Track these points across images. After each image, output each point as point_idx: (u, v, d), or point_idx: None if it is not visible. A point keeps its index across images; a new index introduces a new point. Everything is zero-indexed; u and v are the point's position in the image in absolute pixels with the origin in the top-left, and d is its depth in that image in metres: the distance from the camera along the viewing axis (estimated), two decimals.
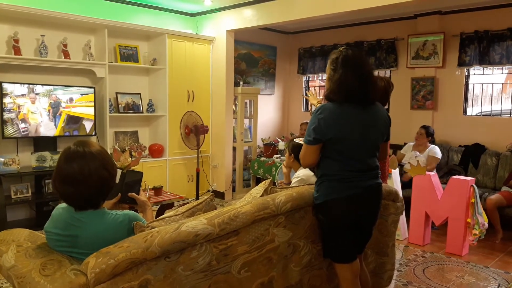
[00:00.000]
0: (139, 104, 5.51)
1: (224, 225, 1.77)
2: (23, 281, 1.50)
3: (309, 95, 3.36)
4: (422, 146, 5.07)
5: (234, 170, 6.17)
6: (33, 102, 4.48)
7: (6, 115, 4.28)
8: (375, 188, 2.21)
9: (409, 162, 4.99)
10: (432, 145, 5.05)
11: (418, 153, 4.99)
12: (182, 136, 5.28)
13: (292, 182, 2.97)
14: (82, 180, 1.60)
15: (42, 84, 4.53)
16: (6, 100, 4.27)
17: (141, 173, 2.28)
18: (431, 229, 4.38)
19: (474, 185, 3.83)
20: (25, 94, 4.41)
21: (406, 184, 4.76)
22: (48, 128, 4.62)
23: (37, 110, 4.52)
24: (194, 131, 5.32)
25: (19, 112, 4.40)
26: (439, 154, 4.98)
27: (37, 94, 4.50)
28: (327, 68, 2.22)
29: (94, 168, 1.62)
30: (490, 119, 5.34)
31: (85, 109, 4.85)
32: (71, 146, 1.66)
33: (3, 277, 1.66)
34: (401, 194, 2.71)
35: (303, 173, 2.92)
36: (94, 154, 1.64)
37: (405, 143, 5.41)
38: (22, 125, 4.42)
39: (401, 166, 4.94)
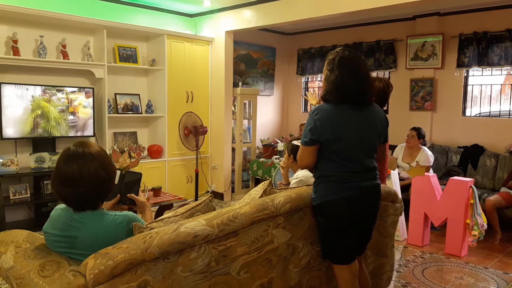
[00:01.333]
0: (138, 105, 5.51)
1: (223, 226, 1.76)
2: (22, 282, 1.50)
3: (308, 96, 3.36)
4: (413, 148, 4.99)
5: (233, 171, 6.16)
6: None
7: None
8: (373, 189, 2.21)
9: (408, 164, 5.00)
10: (425, 148, 4.95)
11: (405, 165, 4.95)
12: (181, 137, 5.28)
13: (291, 183, 2.97)
14: (81, 181, 1.60)
15: (41, 85, 4.52)
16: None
17: (140, 174, 2.28)
18: (433, 229, 4.38)
19: (473, 186, 3.84)
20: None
21: (405, 187, 4.75)
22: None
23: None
24: (193, 132, 5.32)
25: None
26: (430, 161, 4.85)
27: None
28: (324, 69, 2.23)
29: (94, 169, 1.62)
30: (489, 120, 5.35)
31: None
32: (71, 147, 1.66)
33: (2, 278, 1.65)
34: (400, 195, 2.71)
35: (302, 174, 2.92)
36: (93, 155, 1.64)
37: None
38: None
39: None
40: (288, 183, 3.07)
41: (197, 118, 5.37)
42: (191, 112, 5.38)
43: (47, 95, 4.45)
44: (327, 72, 2.18)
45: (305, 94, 7.32)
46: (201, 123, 5.38)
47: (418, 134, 4.96)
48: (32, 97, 4.36)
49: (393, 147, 5.56)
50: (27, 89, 4.40)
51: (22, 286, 1.50)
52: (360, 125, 2.14)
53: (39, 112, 4.47)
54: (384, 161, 3.03)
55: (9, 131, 4.32)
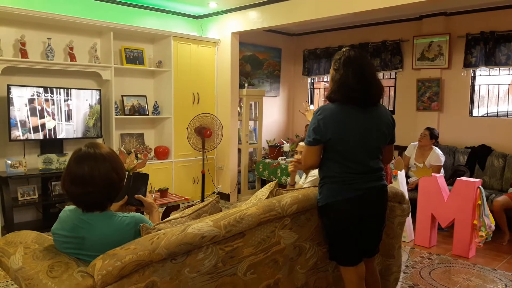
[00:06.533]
0: (145, 107, 5.53)
1: (230, 227, 1.77)
2: (31, 283, 1.51)
3: (305, 112, 3.29)
4: (425, 147, 5.00)
5: (239, 172, 6.17)
6: None
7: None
8: (379, 190, 2.20)
9: (415, 164, 4.98)
10: (435, 148, 4.94)
11: (417, 163, 4.95)
12: (190, 138, 5.19)
13: (307, 181, 2.97)
14: (91, 182, 1.61)
15: (48, 87, 4.56)
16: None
17: (147, 175, 2.28)
18: (440, 230, 4.35)
19: (480, 186, 3.81)
20: None
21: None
22: None
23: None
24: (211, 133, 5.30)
25: None
26: (441, 160, 4.84)
27: None
28: (331, 68, 2.23)
29: (104, 170, 1.63)
30: (497, 120, 5.31)
31: None
32: (82, 148, 1.68)
33: (11, 279, 1.67)
34: (407, 196, 2.70)
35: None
36: (104, 156, 1.66)
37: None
38: None
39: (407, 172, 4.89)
40: (294, 183, 3.08)
41: (215, 119, 5.34)
42: (207, 113, 5.32)
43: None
44: (333, 72, 2.18)
45: (307, 101, 7.32)
46: (221, 124, 5.36)
47: (431, 134, 4.97)
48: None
49: (398, 148, 5.56)
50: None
51: (31, 287, 1.51)
52: (364, 126, 2.12)
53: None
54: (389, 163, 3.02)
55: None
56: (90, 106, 4.87)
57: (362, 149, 2.13)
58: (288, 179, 3.43)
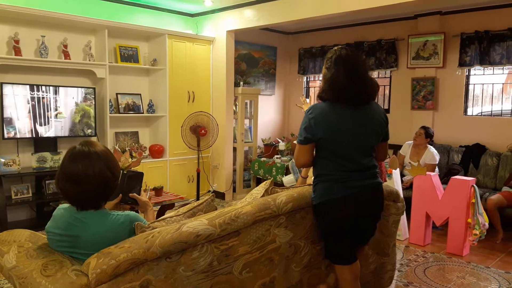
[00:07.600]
0: (140, 105, 5.51)
1: (225, 226, 1.77)
2: (25, 282, 1.50)
3: (302, 105, 3.29)
4: (420, 146, 5.02)
5: (234, 170, 6.17)
6: None
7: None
8: (374, 188, 2.19)
9: (410, 162, 5.00)
10: (430, 147, 4.97)
11: (411, 162, 4.96)
12: (185, 136, 5.18)
13: None
14: (86, 180, 1.61)
15: (43, 85, 4.53)
16: None
17: (141, 174, 2.28)
18: (434, 229, 4.37)
19: (474, 185, 3.83)
20: None
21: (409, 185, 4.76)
22: None
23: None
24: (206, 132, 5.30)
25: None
26: (435, 159, 4.87)
27: None
28: (323, 67, 2.22)
29: (98, 168, 1.63)
30: (491, 119, 5.34)
31: None
32: (76, 146, 1.67)
33: (5, 278, 1.66)
34: (401, 194, 2.71)
35: None
36: (99, 154, 1.65)
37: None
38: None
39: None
40: (307, 176, 3.08)
41: (210, 117, 5.32)
42: (203, 111, 5.31)
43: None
44: (325, 70, 2.18)
45: (303, 97, 7.32)
46: (216, 123, 5.35)
47: (426, 133, 4.99)
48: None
49: (393, 146, 5.57)
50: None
51: (25, 285, 1.50)
52: (355, 125, 2.11)
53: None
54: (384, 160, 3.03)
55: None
56: (76, 104, 4.80)
57: (355, 147, 2.12)
58: (283, 178, 3.43)
